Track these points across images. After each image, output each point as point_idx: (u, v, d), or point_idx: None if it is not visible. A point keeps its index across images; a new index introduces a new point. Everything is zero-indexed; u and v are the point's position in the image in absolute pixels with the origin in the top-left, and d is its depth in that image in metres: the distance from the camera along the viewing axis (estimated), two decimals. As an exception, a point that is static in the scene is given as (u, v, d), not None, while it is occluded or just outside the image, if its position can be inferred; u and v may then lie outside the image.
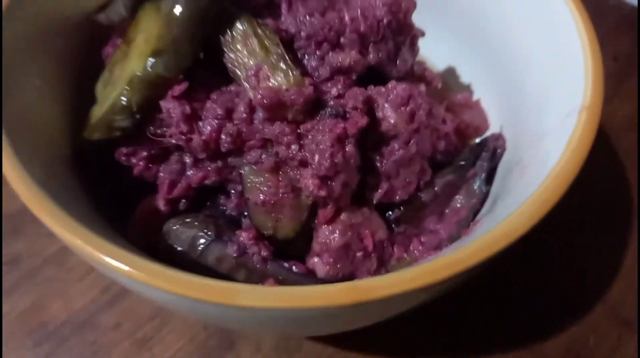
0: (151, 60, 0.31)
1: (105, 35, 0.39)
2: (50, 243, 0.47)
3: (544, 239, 0.46)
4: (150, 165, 0.36)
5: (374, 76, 0.35)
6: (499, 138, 0.40)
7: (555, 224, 0.46)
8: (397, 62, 0.36)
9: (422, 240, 0.36)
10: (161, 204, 0.36)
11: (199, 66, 0.33)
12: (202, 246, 0.33)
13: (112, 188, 0.37)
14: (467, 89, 0.47)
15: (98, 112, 0.35)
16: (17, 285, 0.45)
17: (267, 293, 0.23)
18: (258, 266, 0.33)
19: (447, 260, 0.25)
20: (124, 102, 0.32)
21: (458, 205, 0.37)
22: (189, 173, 0.35)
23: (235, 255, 0.32)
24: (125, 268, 0.25)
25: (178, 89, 0.32)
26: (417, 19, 0.38)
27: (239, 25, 0.32)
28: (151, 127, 0.34)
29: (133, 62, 0.32)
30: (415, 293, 0.24)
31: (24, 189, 0.28)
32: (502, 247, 0.26)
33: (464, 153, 0.39)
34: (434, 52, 0.46)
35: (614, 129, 0.55)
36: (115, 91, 0.33)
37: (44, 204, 0.28)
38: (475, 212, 0.37)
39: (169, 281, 0.24)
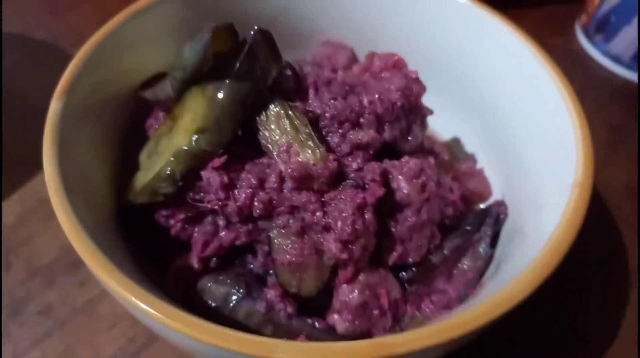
0: (196, 136, 0.35)
1: (147, 109, 0.44)
2: (80, 293, 0.50)
3: (547, 301, 0.48)
4: (186, 226, 0.39)
5: (388, 150, 0.40)
6: (501, 204, 0.44)
7: (556, 287, 0.50)
8: (409, 138, 0.40)
9: (433, 298, 0.39)
10: (194, 261, 0.39)
11: (237, 141, 0.37)
12: (233, 302, 0.36)
13: (150, 246, 0.40)
14: (471, 158, 0.51)
15: (143, 179, 0.38)
16: (49, 334, 0.47)
17: (302, 348, 0.27)
18: (284, 321, 0.36)
19: (458, 320, 0.28)
20: (168, 172, 0.36)
21: (465, 267, 0.40)
22: (221, 234, 0.39)
23: (263, 311, 0.36)
24: (168, 320, 0.28)
25: (218, 161, 0.36)
26: (426, 96, 0.43)
27: (272, 108, 0.36)
28: (190, 193, 0.37)
29: (179, 137, 0.36)
30: (431, 349, 0.28)
31: (76, 237, 0.31)
32: (505, 310, 0.29)
33: (470, 218, 0.43)
34: (441, 124, 0.50)
35: (610, 194, 0.58)
36: (160, 161, 0.37)
37: (93, 252, 0.31)
38: (481, 273, 0.40)
39: (212, 334, 0.27)
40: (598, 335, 0.48)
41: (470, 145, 0.52)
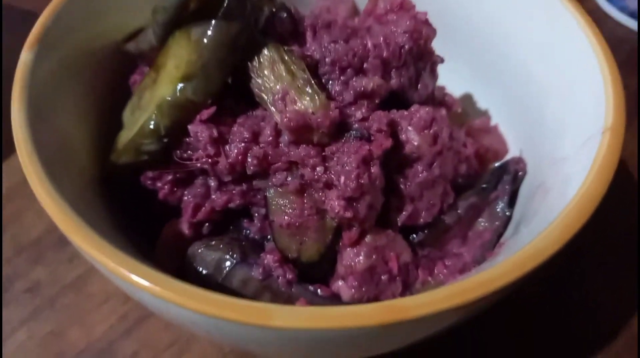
0: (181, 85, 0.32)
1: (131, 64, 0.40)
2: (69, 269, 0.48)
3: (561, 271, 0.46)
4: (175, 189, 0.36)
5: (395, 100, 0.36)
6: (519, 161, 0.40)
7: (572, 255, 0.46)
8: (419, 87, 0.37)
9: (447, 263, 0.36)
10: (185, 227, 0.36)
11: (227, 91, 0.34)
12: (227, 268, 0.33)
13: (137, 212, 0.37)
14: (485, 114, 0.48)
15: (125, 136, 0.35)
16: (37, 312, 0.45)
17: (302, 313, 0.23)
18: (283, 289, 0.33)
19: (479, 280, 0.25)
20: (152, 126, 0.33)
21: (481, 228, 0.37)
22: (213, 196, 0.36)
23: (260, 277, 0.32)
24: (157, 288, 0.25)
25: (206, 113, 0.33)
26: (437, 47, 0.39)
27: (266, 52, 0.33)
28: (178, 151, 0.34)
29: (163, 87, 0.33)
30: (448, 313, 0.24)
31: (55, 209, 0.28)
32: (531, 268, 0.26)
33: (486, 176, 0.39)
34: (451, 79, 0.47)
35: (631, 159, 0.55)
36: (144, 115, 0.34)
37: (75, 223, 0.28)
38: (499, 235, 0.37)
39: (203, 302, 0.24)
40: (611, 307, 0.45)
41: (483, 100, 0.48)
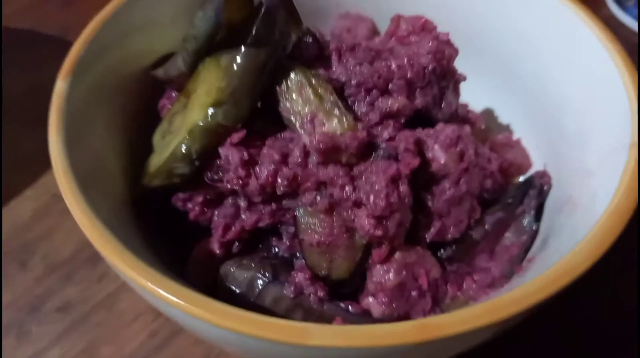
0: (212, 110, 0.33)
1: (160, 89, 0.41)
2: (100, 288, 0.48)
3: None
4: (206, 209, 0.37)
5: (420, 119, 0.37)
6: (544, 175, 0.40)
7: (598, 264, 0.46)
8: (443, 105, 0.37)
9: (475, 278, 0.36)
10: (216, 247, 0.37)
11: (256, 115, 0.35)
12: (259, 287, 0.33)
13: (169, 232, 0.38)
14: (507, 129, 0.48)
15: (157, 160, 0.36)
16: (69, 331, 0.46)
17: (339, 332, 0.24)
18: (315, 306, 0.33)
19: (512, 297, 0.25)
20: (184, 151, 0.34)
21: (508, 242, 0.37)
22: (243, 216, 0.36)
23: (292, 295, 0.33)
24: (191, 306, 0.26)
25: (237, 137, 0.33)
26: (458, 63, 0.40)
27: (293, 76, 0.34)
28: (209, 173, 0.35)
29: (194, 112, 0.34)
30: (481, 330, 0.25)
31: (91, 227, 0.29)
32: (563, 285, 0.26)
33: (511, 190, 0.39)
34: (473, 95, 0.47)
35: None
36: (175, 140, 0.35)
37: (109, 241, 0.29)
38: (526, 249, 0.37)
39: (238, 321, 0.25)
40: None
41: (504, 115, 0.49)
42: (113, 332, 0.46)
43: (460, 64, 0.41)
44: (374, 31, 0.50)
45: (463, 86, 0.42)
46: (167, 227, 0.39)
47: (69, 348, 0.45)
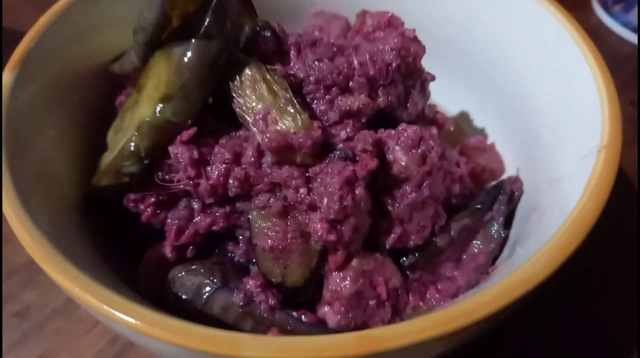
0: (160, 106, 0.32)
1: (120, 86, 0.40)
2: (59, 293, 0.47)
3: (566, 289, 0.44)
4: (158, 211, 0.35)
5: (384, 119, 0.35)
6: (516, 180, 0.39)
7: (577, 272, 0.45)
8: (408, 106, 0.36)
9: (439, 287, 0.34)
10: (168, 251, 0.36)
11: (208, 112, 0.33)
12: (207, 294, 0.32)
13: (120, 237, 0.37)
14: (482, 132, 0.47)
15: (107, 158, 0.35)
16: (25, 338, 0.44)
17: (272, 343, 0.22)
18: (265, 315, 0.31)
19: (462, 308, 0.23)
20: (132, 148, 0.33)
21: (476, 250, 0.35)
22: (196, 219, 0.35)
23: (241, 303, 0.31)
24: (125, 317, 0.24)
25: (186, 134, 0.32)
26: (431, 65, 0.39)
27: (247, 71, 0.32)
28: (159, 173, 0.34)
29: (142, 108, 0.33)
30: (429, 343, 0.23)
31: (29, 239, 0.28)
32: (519, 295, 0.24)
33: (481, 196, 0.38)
34: (448, 97, 0.46)
35: (635, 173, 0.54)
36: (124, 137, 0.33)
37: (49, 254, 0.28)
38: (494, 257, 0.36)
39: (169, 331, 0.23)
40: (619, 321, 0.43)
41: (480, 118, 0.48)
42: (71, 339, 0.44)
43: (434, 66, 0.39)
44: (348, 29, 0.49)
45: (436, 88, 0.40)
46: (119, 230, 0.37)
47: (25, 355, 0.43)
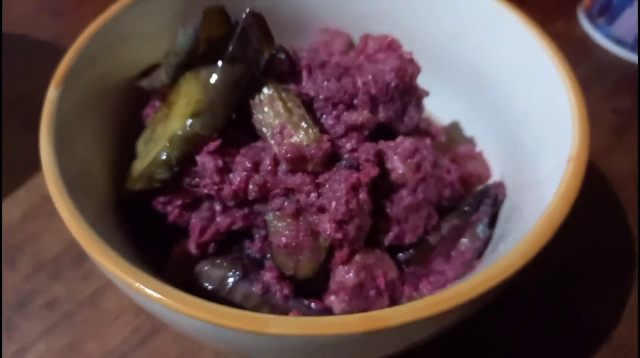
0: (190, 121, 0.35)
1: (144, 98, 0.44)
2: (85, 287, 0.50)
3: (548, 286, 0.48)
4: (184, 212, 0.39)
5: (383, 132, 0.40)
6: (500, 185, 0.43)
7: (558, 271, 0.50)
8: (405, 119, 0.40)
9: (431, 279, 0.39)
10: (192, 247, 0.39)
11: (231, 125, 0.37)
12: (230, 285, 0.36)
13: (149, 234, 0.41)
14: (471, 141, 0.51)
15: (140, 166, 0.39)
16: (54, 327, 0.48)
17: (293, 321, 0.27)
18: (280, 303, 0.36)
19: (452, 293, 0.28)
20: (164, 157, 0.36)
21: (463, 248, 0.40)
22: (218, 219, 0.39)
23: (260, 293, 0.36)
24: (169, 301, 0.28)
25: (212, 146, 0.36)
26: (425, 80, 0.43)
27: (265, 91, 0.36)
28: (187, 179, 0.37)
29: (174, 122, 0.37)
30: (423, 322, 0.27)
31: (78, 228, 0.32)
32: (499, 281, 0.29)
33: (468, 199, 0.42)
34: (441, 109, 0.50)
35: (617, 180, 0.58)
36: (156, 147, 0.37)
37: (95, 241, 0.31)
38: (480, 253, 0.40)
39: (207, 311, 0.28)
40: (599, 318, 0.48)
41: (469, 129, 0.52)
42: (97, 328, 0.48)
43: (428, 81, 0.44)
44: (350, 45, 0.54)
45: (431, 101, 0.45)
46: (148, 229, 0.41)
47: (55, 342, 0.47)
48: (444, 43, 0.51)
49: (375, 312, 0.27)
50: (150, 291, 0.29)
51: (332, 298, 0.36)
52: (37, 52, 0.71)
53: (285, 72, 0.39)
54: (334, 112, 0.38)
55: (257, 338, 0.28)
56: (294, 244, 0.36)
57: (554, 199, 0.33)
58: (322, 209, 0.35)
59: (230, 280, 0.36)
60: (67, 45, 0.41)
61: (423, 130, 0.42)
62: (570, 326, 0.47)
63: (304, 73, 0.39)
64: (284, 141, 0.35)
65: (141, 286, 0.29)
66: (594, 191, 0.55)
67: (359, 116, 0.37)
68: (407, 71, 0.39)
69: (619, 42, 0.72)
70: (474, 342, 0.45)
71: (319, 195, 0.35)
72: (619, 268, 0.51)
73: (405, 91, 0.40)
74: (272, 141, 0.36)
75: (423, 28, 0.51)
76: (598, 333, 0.47)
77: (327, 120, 0.38)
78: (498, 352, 0.45)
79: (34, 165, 0.57)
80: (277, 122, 0.36)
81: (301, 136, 0.35)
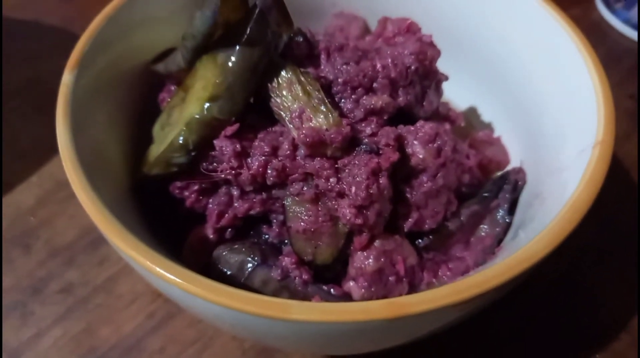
0: (208, 104, 0.35)
1: (160, 83, 0.44)
2: (100, 272, 0.51)
3: (566, 271, 0.48)
4: (201, 197, 0.39)
5: (403, 116, 0.39)
6: (519, 171, 0.43)
7: (577, 256, 0.49)
8: (424, 104, 0.40)
9: (450, 266, 0.38)
10: (210, 232, 0.39)
11: (249, 109, 0.37)
12: (249, 270, 0.36)
13: (166, 218, 0.41)
14: (489, 127, 0.50)
15: (156, 150, 0.39)
16: (70, 312, 0.48)
17: (316, 307, 0.26)
18: (299, 288, 0.36)
19: (475, 280, 0.28)
20: (181, 141, 0.36)
21: (483, 234, 0.39)
22: (235, 204, 0.39)
23: (279, 278, 0.36)
24: (188, 284, 0.28)
25: (230, 130, 0.36)
26: (442, 64, 0.42)
27: (284, 74, 0.36)
28: (204, 163, 0.37)
29: (191, 106, 0.36)
30: (446, 309, 0.27)
31: (96, 211, 0.31)
32: (523, 269, 0.28)
33: (488, 185, 0.42)
34: (458, 94, 0.49)
35: (634, 167, 0.57)
36: (173, 131, 0.37)
37: (113, 224, 0.31)
38: (499, 240, 0.40)
39: (229, 297, 0.27)
40: (617, 307, 0.47)
41: (487, 114, 0.51)
42: (112, 313, 0.48)
43: (446, 65, 0.43)
44: (366, 30, 0.53)
45: (448, 85, 0.44)
46: (165, 214, 0.41)
47: (70, 327, 0.47)
48: (462, 26, 0.50)
49: (398, 298, 0.27)
50: (171, 276, 0.29)
51: (351, 284, 0.36)
52: (46, 37, 0.70)
53: (303, 55, 0.38)
54: (353, 96, 0.37)
55: (278, 324, 0.27)
56: (312, 229, 0.36)
57: (579, 186, 0.32)
58: (341, 195, 0.35)
59: (249, 265, 0.36)
60: (76, 29, 0.41)
61: (442, 115, 0.42)
62: (587, 313, 0.47)
63: (322, 56, 0.38)
64: (303, 125, 0.35)
65: (161, 271, 0.29)
66: (611, 178, 0.54)
67: (378, 100, 0.37)
68: (427, 54, 0.39)
69: (636, 26, 0.70)
70: (490, 328, 0.45)
71: (339, 180, 0.35)
72: (636, 256, 0.50)
73: (425, 74, 0.39)
74: (291, 125, 0.35)
75: (439, 12, 0.50)
76: (615, 321, 0.46)
77: (346, 104, 0.38)
78: (514, 339, 0.45)
79: (47, 150, 0.58)
80: (295, 106, 0.35)
81: (320, 120, 0.34)
